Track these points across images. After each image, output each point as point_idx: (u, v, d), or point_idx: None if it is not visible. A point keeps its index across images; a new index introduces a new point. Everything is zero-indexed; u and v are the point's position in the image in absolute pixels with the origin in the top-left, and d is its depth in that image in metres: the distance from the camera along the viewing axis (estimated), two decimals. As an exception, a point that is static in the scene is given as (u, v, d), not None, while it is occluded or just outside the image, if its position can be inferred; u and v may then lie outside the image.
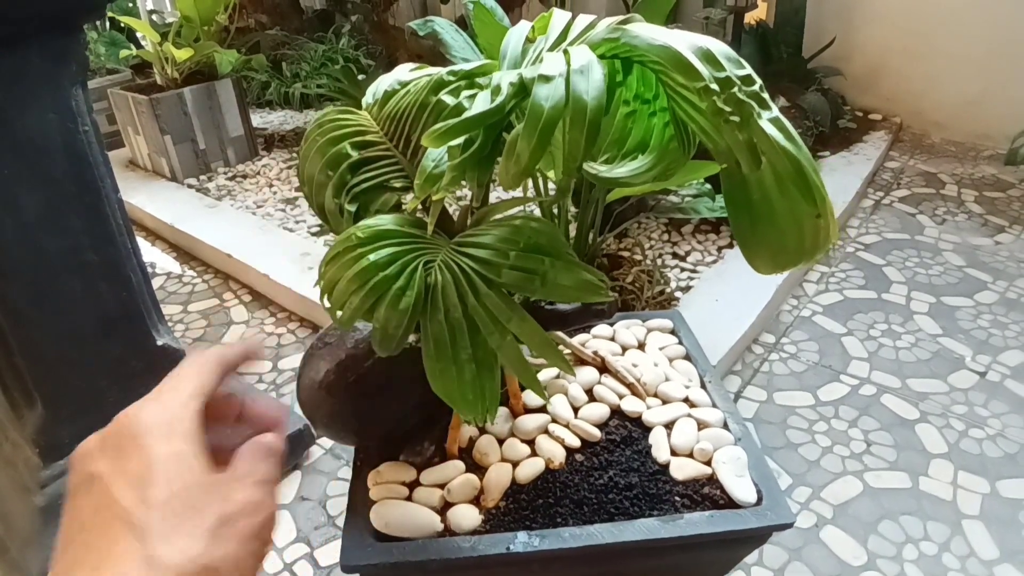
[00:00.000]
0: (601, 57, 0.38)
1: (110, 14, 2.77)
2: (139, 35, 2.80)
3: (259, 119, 2.82)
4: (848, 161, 2.21)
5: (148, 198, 2.13)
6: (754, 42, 2.42)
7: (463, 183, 0.41)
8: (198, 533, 0.29)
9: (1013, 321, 1.50)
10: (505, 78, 0.36)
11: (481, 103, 0.35)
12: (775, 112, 0.32)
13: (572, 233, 1.40)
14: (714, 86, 0.32)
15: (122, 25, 2.81)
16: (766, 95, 0.33)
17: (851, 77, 2.57)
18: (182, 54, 2.11)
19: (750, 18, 2.43)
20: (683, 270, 1.61)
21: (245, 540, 0.31)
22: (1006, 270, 1.70)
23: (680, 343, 0.80)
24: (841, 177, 2.09)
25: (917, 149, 2.45)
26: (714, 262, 1.63)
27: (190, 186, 2.22)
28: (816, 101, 2.29)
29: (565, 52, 0.36)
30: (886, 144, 2.38)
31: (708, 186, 1.56)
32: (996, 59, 2.34)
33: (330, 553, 1.03)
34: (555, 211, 1.32)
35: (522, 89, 0.35)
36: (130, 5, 3.05)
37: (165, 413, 0.33)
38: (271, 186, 2.21)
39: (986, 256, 1.76)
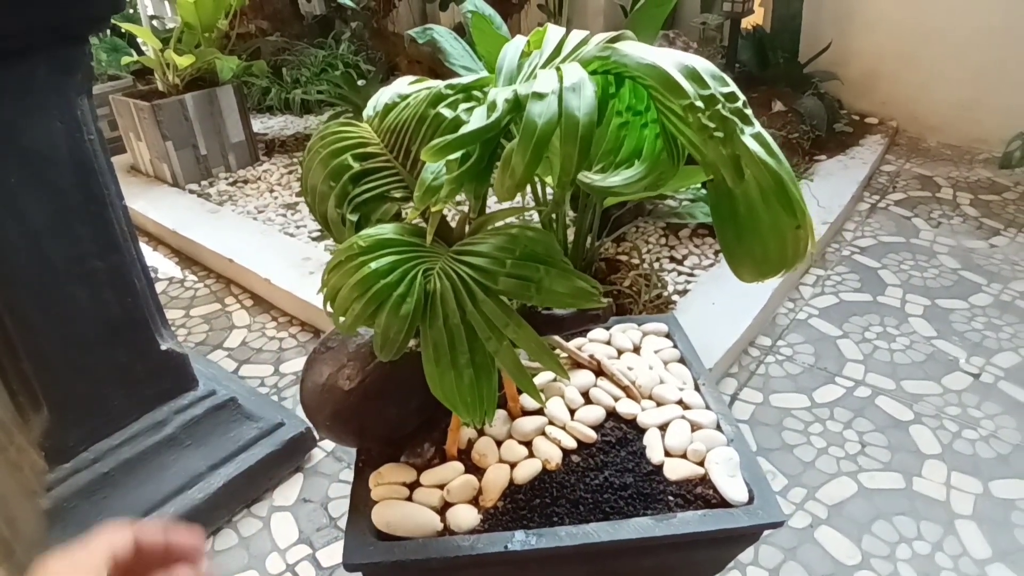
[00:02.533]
0: (593, 73, 0.40)
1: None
2: (140, 41, 2.82)
3: (260, 124, 2.84)
4: (844, 165, 2.23)
5: (150, 204, 2.14)
6: (751, 47, 2.44)
7: (461, 194, 0.43)
8: None
9: (1007, 323, 1.52)
10: (500, 94, 0.38)
11: (478, 119, 0.37)
12: (757, 128, 0.34)
13: (571, 238, 1.41)
14: (699, 103, 0.33)
15: (123, 31, 2.83)
16: (749, 111, 0.35)
17: (847, 82, 2.59)
18: (183, 60, 2.13)
19: (747, 23, 2.45)
20: (680, 274, 1.62)
21: None
22: (1000, 273, 1.71)
23: (675, 346, 0.82)
24: (837, 181, 2.10)
25: (913, 153, 2.46)
26: (711, 266, 1.65)
27: (192, 191, 2.24)
28: (812, 105, 2.31)
29: (558, 69, 0.38)
30: (882, 148, 2.39)
31: (704, 191, 1.58)
32: (990, 64, 2.36)
33: (332, 554, 1.04)
34: (553, 216, 1.33)
35: (517, 105, 0.37)
36: (131, 11, 3.07)
37: (75, 572, 0.35)
38: (272, 191, 2.22)
39: (981, 259, 1.78)
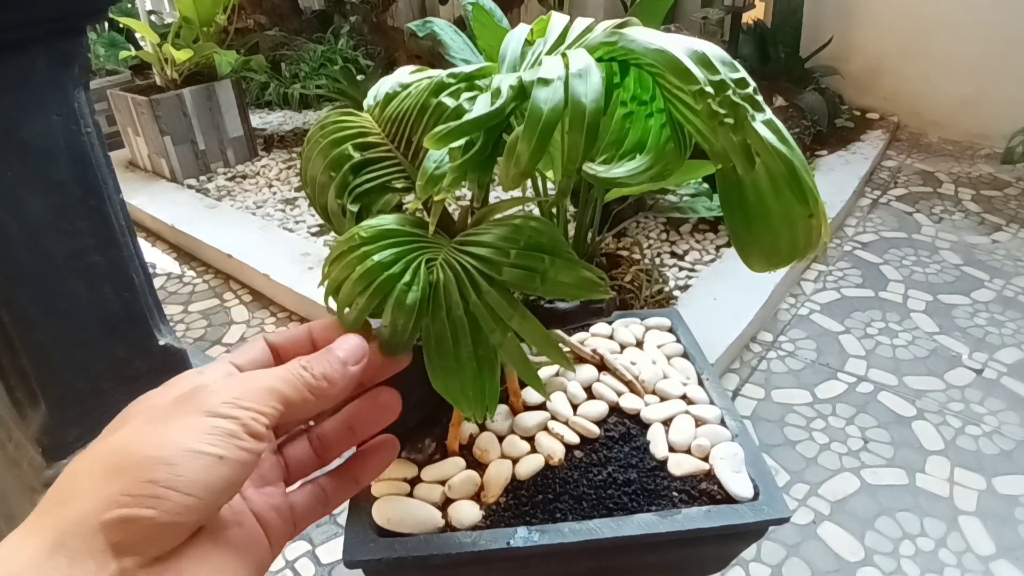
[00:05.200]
0: (599, 60, 0.39)
1: (110, 15, 2.78)
2: (138, 36, 2.80)
3: (258, 120, 2.83)
4: (846, 160, 2.22)
5: (148, 199, 2.13)
6: (752, 42, 2.43)
7: (464, 184, 0.42)
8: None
9: (1010, 319, 1.51)
10: (505, 81, 0.37)
11: (481, 106, 0.36)
12: (768, 114, 0.33)
13: (571, 232, 1.41)
14: (709, 89, 0.33)
15: (121, 26, 2.82)
16: (760, 97, 0.34)
17: (849, 77, 2.58)
18: (181, 55, 2.12)
19: (748, 18, 2.44)
20: (681, 269, 1.62)
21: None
22: (1003, 268, 1.71)
23: (678, 341, 0.81)
24: (839, 176, 2.10)
25: (914, 148, 2.46)
26: (712, 261, 1.64)
27: (190, 187, 2.23)
28: (814, 100, 2.30)
29: (563, 55, 0.37)
30: (883, 143, 2.39)
31: (706, 186, 1.57)
32: (992, 59, 2.35)
33: (332, 551, 1.04)
34: (554, 211, 1.33)
35: (521, 92, 0.36)
36: (129, 6, 3.05)
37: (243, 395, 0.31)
38: (271, 186, 2.21)
39: (983, 254, 1.77)
